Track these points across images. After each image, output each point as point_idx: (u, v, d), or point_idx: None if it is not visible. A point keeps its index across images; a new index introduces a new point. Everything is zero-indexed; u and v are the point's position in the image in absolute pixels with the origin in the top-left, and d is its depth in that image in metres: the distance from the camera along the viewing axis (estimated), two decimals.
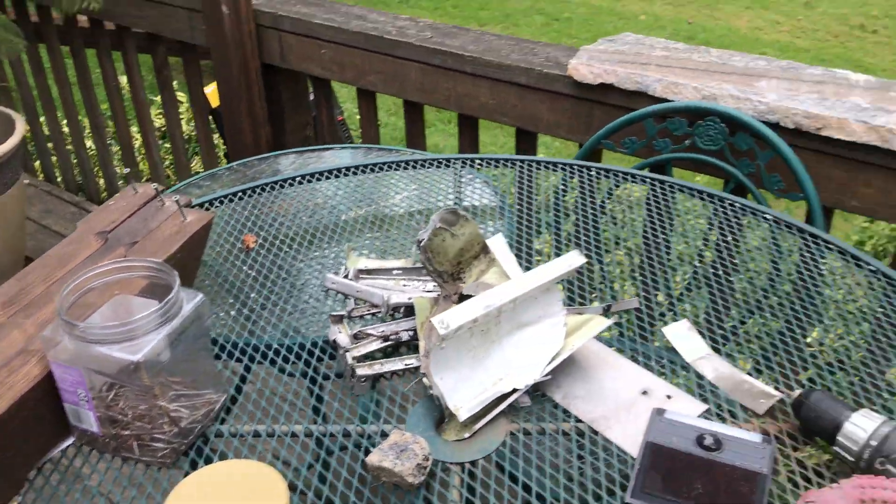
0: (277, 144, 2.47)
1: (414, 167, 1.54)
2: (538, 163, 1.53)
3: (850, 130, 1.39)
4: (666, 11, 6.82)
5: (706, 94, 1.53)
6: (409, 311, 1.11)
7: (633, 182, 1.45)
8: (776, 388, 0.98)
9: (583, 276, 1.22)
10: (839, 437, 0.87)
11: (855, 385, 0.99)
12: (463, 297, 1.06)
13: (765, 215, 1.33)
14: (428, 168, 1.54)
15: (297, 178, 1.52)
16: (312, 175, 1.52)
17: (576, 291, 1.20)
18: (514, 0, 7.29)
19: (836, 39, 6.18)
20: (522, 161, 1.53)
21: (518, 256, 1.28)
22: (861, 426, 0.86)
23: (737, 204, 1.36)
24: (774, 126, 1.48)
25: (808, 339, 1.08)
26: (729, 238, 1.28)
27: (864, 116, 1.39)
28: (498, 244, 1.13)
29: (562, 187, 1.46)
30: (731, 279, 1.19)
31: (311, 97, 2.46)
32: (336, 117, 3.58)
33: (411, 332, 1.07)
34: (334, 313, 1.10)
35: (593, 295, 1.21)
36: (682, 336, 1.08)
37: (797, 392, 0.94)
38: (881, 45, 6.02)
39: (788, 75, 1.54)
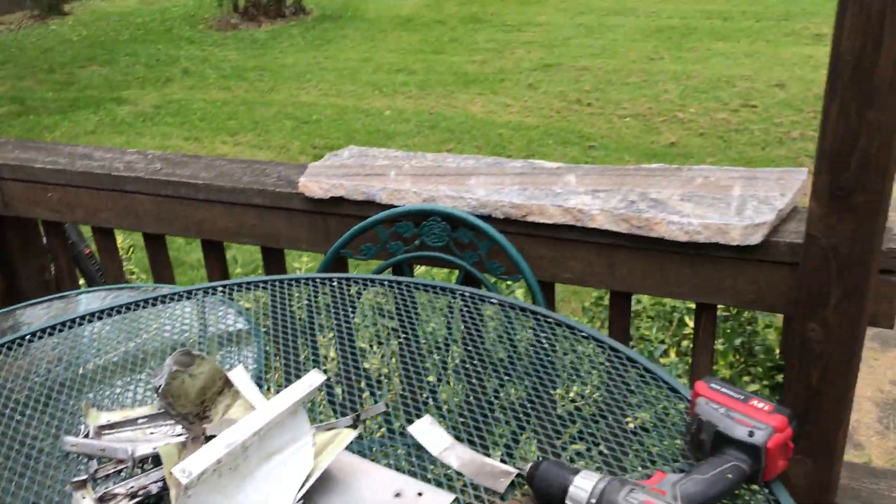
0: (13, 295, 2.32)
1: (153, 304, 1.53)
2: (281, 281, 1.58)
3: (550, 214, 1.58)
4: (408, 105, 7.23)
5: (426, 197, 1.66)
6: (158, 460, 1.09)
7: (373, 286, 1.53)
8: (525, 463, 1.07)
9: (342, 384, 1.26)
10: (567, 501, 0.97)
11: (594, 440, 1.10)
12: (211, 437, 1.06)
13: (491, 300, 1.46)
14: (169, 303, 1.53)
15: (28, 336, 1.44)
16: (44, 330, 1.46)
17: (347, 399, 1.24)
18: (262, 107, 7.40)
19: (559, 115, 6.88)
20: (266, 282, 1.57)
21: (287, 375, 1.30)
22: (582, 487, 0.96)
23: (466, 293, 1.48)
24: (487, 218, 1.64)
25: (559, 404, 1.19)
26: (462, 326, 1.38)
27: (558, 201, 1.59)
28: (240, 376, 1.15)
29: (306, 302, 1.51)
30: (478, 362, 1.29)
31: (45, 241, 2.35)
32: (83, 251, 3.41)
33: (161, 484, 1.05)
34: (75, 479, 1.06)
35: (364, 395, 1.26)
36: (426, 431, 1.15)
37: (529, 465, 1.03)
38: (596, 115, 6.77)
39: (494, 170, 1.72)
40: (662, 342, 2.86)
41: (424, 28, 9.78)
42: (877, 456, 3.02)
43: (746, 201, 1.52)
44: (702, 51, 7.94)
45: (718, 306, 1.63)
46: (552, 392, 1.22)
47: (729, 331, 2.62)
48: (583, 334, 1.36)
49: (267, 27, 10.13)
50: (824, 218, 1.32)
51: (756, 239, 1.45)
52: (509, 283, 2.16)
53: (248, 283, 1.57)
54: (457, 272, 1.75)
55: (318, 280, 1.56)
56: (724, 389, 1.10)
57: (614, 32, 8.77)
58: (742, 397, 1.08)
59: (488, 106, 7.14)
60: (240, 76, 8.39)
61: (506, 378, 1.27)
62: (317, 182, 1.74)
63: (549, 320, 1.40)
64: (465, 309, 1.44)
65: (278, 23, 10.25)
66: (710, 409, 1.07)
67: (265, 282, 1.56)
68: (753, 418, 1.05)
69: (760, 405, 1.06)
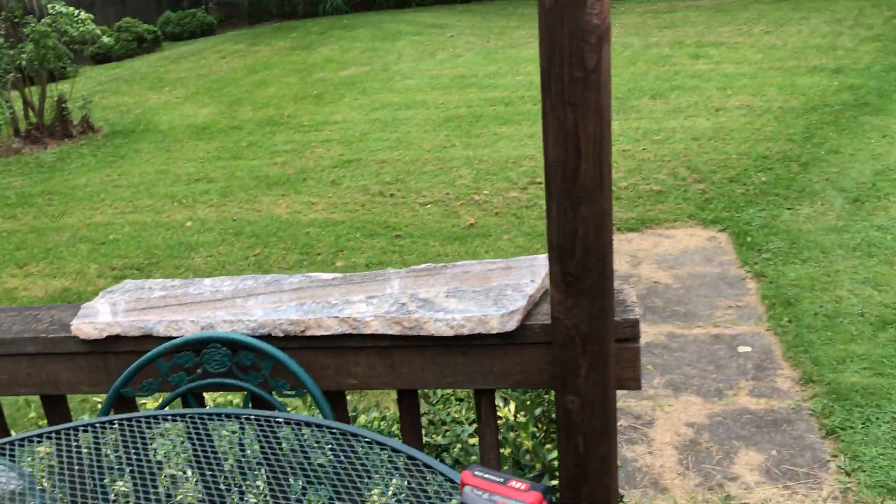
0: None
1: None
2: (58, 432, 1.53)
3: (327, 326, 1.65)
4: (209, 214, 7.15)
5: (204, 325, 1.69)
6: None
7: (157, 423, 1.52)
8: None
9: None
10: None
11: None
12: None
13: (276, 420, 1.50)
14: None
15: None
16: None
17: None
18: (54, 233, 7.05)
19: (363, 208, 7.06)
20: (41, 435, 1.51)
21: None
22: None
23: (253, 416, 1.51)
24: (267, 338, 1.68)
25: None
26: (254, 451, 1.41)
27: (334, 312, 1.67)
28: None
29: (86, 451, 1.47)
30: (278, 482, 1.31)
31: None
32: None
33: None
34: None
35: None
36: None
37: None
38: (399, 205, 7.02)
39: (272, 289, 1.78)
40: (474, 422, 2.97)
41: (221, 135, 9.78)
42: (680, 496, 3.27)
43: (503, 291, 1.67)
44: (489, 136, 8.49)
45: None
46: (361, 497, 1.28)
47: (529, 402, 2.78)
48: (366, 440, 1.43)
49: (53, 149, 9.72)
50: (563, 301, 1.48)
51: (512, 325, 1.59)
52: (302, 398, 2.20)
53: (23, 438, 1.51)
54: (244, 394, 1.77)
55: (98, 425, 1.53)
56: (486, 475, 1.19)
57: (407, 125, 9.19)
58: (502, 480, 1.18)
59: (293, 206, 7.20)
60: (26, 203, 7.96)
61: (308, 493, 1.30)
62: (91, 323, 1.72)
63: (334, 431, 1.45)
64: (255, 433, 1.47)
65: (66, 143, 9.87)
66: (475, 496, 1.17)
67: (40, 435, 1.51)
68: (512, 499, 1.15)
69: (518, 485, 1.17)
